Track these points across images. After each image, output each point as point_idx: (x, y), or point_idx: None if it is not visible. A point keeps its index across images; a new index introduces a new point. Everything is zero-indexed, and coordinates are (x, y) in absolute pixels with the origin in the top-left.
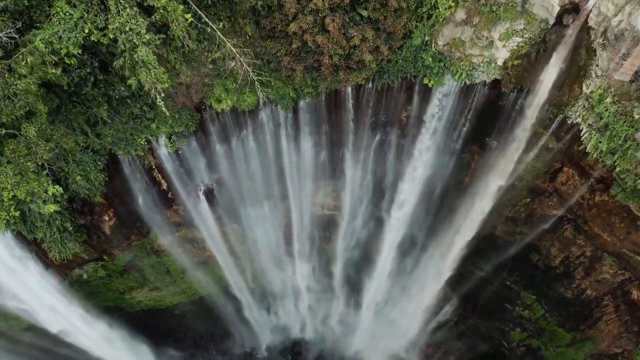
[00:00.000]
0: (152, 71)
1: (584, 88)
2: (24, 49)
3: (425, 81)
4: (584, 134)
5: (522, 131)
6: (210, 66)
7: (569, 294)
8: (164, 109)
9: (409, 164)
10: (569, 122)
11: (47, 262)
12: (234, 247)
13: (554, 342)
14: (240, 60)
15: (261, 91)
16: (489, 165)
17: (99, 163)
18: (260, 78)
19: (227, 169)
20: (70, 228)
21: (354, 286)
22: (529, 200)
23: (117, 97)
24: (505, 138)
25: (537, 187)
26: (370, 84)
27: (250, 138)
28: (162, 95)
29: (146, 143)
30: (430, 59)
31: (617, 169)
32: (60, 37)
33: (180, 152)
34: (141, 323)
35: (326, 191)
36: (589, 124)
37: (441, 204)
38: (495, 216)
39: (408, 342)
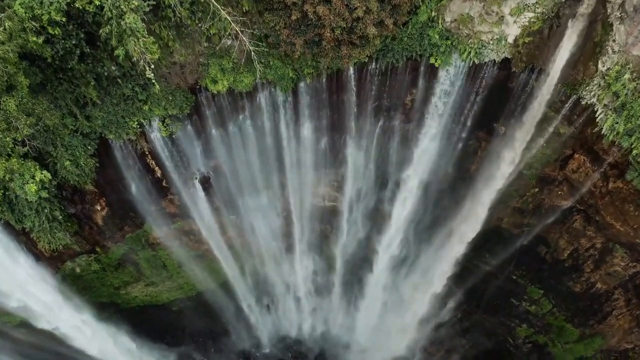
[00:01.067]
0: (140, 40)
1: (600, 65)
2: (2, 14)
3: (432, 60)
4: (599, 115)
5: (532, 115)
6: (206, 44)
7: (577, 288)
8: (154, 81)
9: (413, 152)
10: (582, 103)
11: (37, 254)
12: (231, 240)
13: (561, 338)
14: (236, 29)
15: (259, 63)
16: (496, 152)
17: (89, 148)
18: (257, 49)
19: (223, 155)
20: (60, 217)
21: (356, 281)
22: (537, 190)
23: (106, 74)
24: (514, 123)
25: (547, 175)
26: (373, 64)
27: (248, 122)
28: (152, 67)
29: (138, 126)
30: (437, 37)
31: (634, 151)
32: (41, 2)
33: (174, 136)
34: (137, 319)
35: (327, 181)
36: (605, 104)
37: (446, 194)
38: (502, 207)
39: (410, 340)
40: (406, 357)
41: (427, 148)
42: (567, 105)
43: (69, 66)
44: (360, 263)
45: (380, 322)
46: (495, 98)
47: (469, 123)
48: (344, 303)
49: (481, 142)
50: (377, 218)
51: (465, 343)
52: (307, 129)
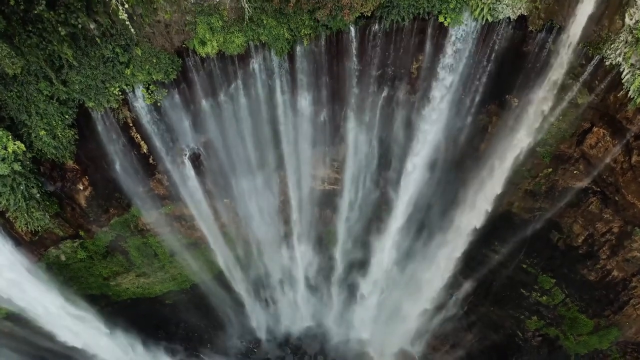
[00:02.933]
0: None
1: (627, 19)
2: None
3: (441, 19)
4: (625, 76)
5: (549, 84)
6: (193, 0)
7: (592, 276)
8: (127, 23)
9: (418, 127)
10: (606, 63)
11: (17, 238)
12: (226, 227)
13: (574, 330)
14: None
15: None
16: (508, 128)
17: (66, 117)
18: None
19: (215, 130)
20: (38, 195)
21: (357, 272)
22: (550, 170)
23: (81, 26)
24: (528, 94)
25: (562, 153)
26: (376, 25)
27: (241, 92)
28: (126, 6)
29: (120, 93)
30: None
31: None
32: None
33: (159, 104)
34: (130, 313)
35: (326, 160)
36: (632, 64)
37: (453, 175)
38: (513, 190)
39: (414, 334)
40: (409, 351)
41: (434, 123)
42: (588, 68)
43: (36, 12)
44: (363, 252)
45: (382, 314)
46: (509, 65)
47: (479, 95)
48: (345, 295)
49: (492, 117)
50: (380, 202)
51: (471, 337)
52: (304, 100)
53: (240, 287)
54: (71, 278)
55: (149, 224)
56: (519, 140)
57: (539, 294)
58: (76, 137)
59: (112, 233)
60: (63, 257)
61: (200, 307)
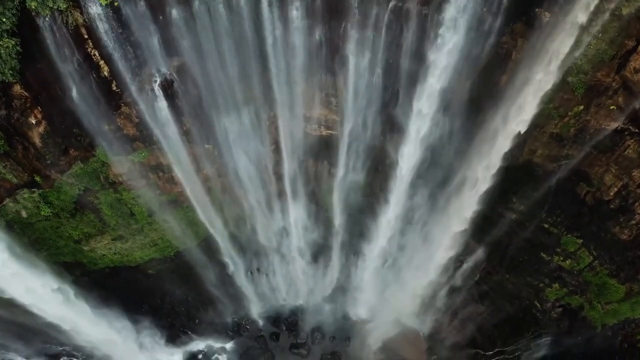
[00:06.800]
0: None
1: None
2: None
3: None
4: None
5: None
6: None
7: (625, 235)
8: None
9: (431, 51)
10: None
11: None
12: (209, 181)
13: (602, 297)
14: None
15: None
16: (535, 52)
17: (4, 20)
18: None
19: (189, 50)
20: None
21: (358, 236)
22: (582, 108)
23: None
24: (563, 4)
25: (598, 82)
26: None
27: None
28: None
29: None
30: None
31: None
32: None
33: (119, 7)
34: (109, 284)
35: (322, 95)
36: None
37: (468, 114)
38: (537, 134)
39: (419, 307)
40: (413, 327)
41: (450, 44)
42: None
43: None
44: (364, 211)
45: (385, 286)
46: None
47: (502, 10)
48: (345, 264)
49: (517, 40)
50: (383, 147)
51: (483, 310)
52: (295, 11)
53: (229, 255)
54: (37, 240)
55: (121, 175)
56: (548, 67)
57: (561, 258)
58: (18, 49)
59: (79, 185)
60: (24, 214)
61: (186, 278)
